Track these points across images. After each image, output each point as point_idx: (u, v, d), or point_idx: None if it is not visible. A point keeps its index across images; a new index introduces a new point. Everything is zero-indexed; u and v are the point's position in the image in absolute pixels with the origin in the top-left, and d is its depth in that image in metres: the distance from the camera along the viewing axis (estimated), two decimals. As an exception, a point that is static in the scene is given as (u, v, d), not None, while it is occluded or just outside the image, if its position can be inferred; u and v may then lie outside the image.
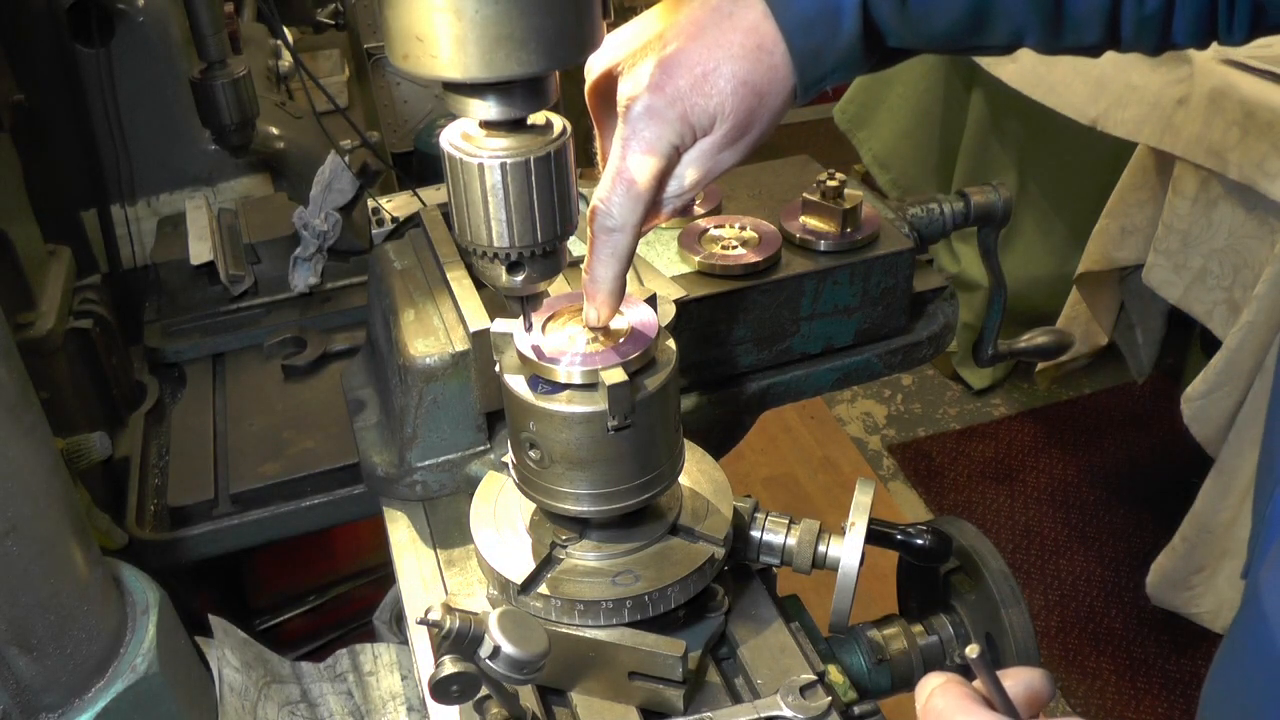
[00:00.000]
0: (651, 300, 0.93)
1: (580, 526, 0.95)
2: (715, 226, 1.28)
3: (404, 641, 1.18)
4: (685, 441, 0.99)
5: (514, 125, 0.80)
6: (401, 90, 2.22)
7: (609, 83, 0.87)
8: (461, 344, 1.09)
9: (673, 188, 0.88)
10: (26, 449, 0.83)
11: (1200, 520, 2.46)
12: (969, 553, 1.13)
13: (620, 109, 0.84)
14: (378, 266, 1.25)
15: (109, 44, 1.70)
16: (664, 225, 1.31)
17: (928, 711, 0.70)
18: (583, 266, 0.88)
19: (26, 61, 1.62)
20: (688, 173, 0.87)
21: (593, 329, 0.89)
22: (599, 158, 0.91)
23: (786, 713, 0.89)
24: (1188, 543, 2.51)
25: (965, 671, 0.73)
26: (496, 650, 0.76)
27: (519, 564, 0.93)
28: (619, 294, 0.88)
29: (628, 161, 0.84)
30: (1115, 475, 3.28)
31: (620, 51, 0.86)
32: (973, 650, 0.66)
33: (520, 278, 0.86)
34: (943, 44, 0.90)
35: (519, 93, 0.78)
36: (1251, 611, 0.78)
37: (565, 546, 0.95)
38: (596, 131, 0.92)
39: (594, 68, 0.88)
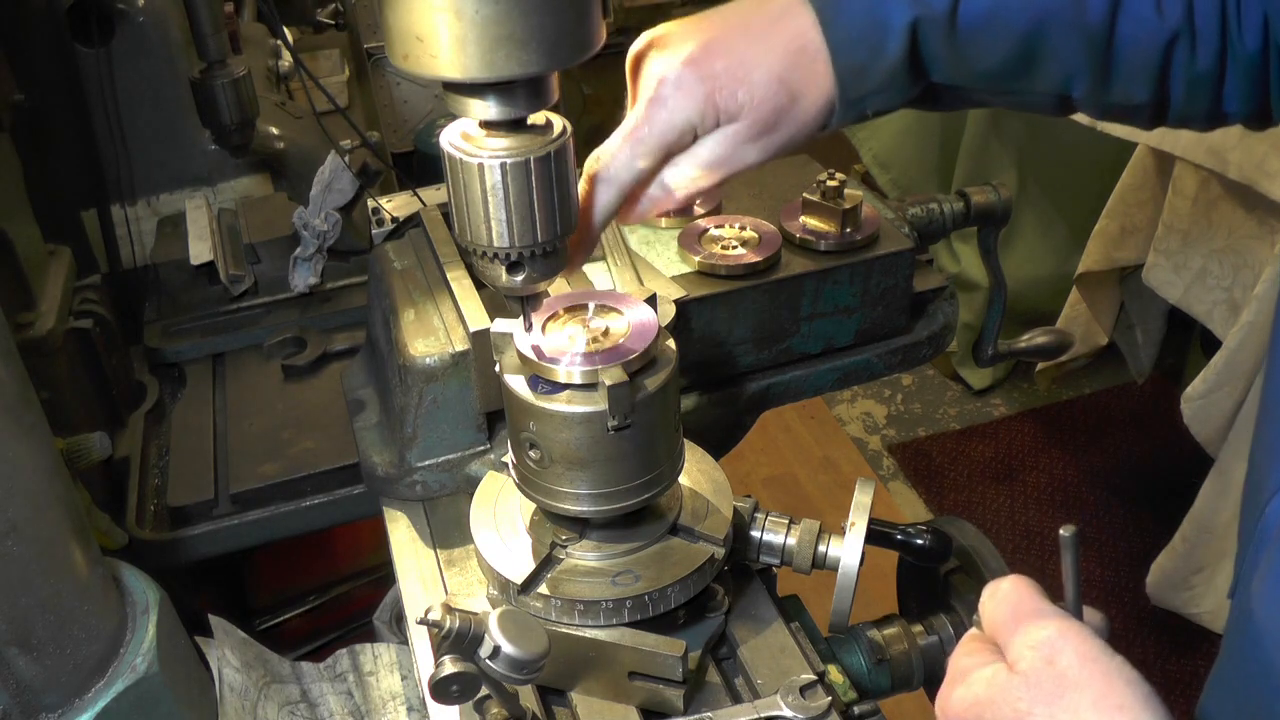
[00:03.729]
0: (651, 300, 0.93)
1: (580, 526, 0.95)
2: (715, 226, 1.28)
3: (404, 641, 1.18)
4: (685, 441, 0.99)
5: (514, 125, 0.80)
6: (401, 90, 2.22)
7: (648, 48, 0.88)
8: (461, 344, 1.09)
9: (688, 168, 0.87)
10: (26, 449, 0.83)
11: (1200, 520, 2.46)
12: (969, 553, 1.13)
13: (654, 76, 0.85)
14: (378, 266, 1.25)
15: (109, 44, 1.70)
16: (663, 225, 1.31)
17: (996, 595, 0.72)
18: None
19: (26, 61, 1.62)
20: (705, 155, 0.87)
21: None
22: None
23: (786, 713, 0.89)
24: (1188, 543, 2.51)
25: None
26: (496, 650, 0.76)
27: (519, 564, 0.93)
28: (590, 244, 0.88)
29: (642, 122, 0.85)
30: (1115, 475, 3.28)
31: (667, 29, 0.87)
32: (1068, 529, 0.68)
33: (520, 278, 0.86)
34: (990, 84, 0.90)
35: (519, 93, 0.78)
36: (1245, 626, 0.78)
37: (565, 546, 0.95)
38: (630, 101, 0.91)
39: (639, 42, 0.88)
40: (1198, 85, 0.88)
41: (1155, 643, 2.75)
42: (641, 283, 1.15)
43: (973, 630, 0.75)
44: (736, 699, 0.93)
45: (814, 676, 0.92)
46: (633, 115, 0.86)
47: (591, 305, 0.91)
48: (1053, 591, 0.72)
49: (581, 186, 0.87)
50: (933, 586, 1.17)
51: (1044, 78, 0.89)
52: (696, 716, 0.90)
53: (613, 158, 0.85)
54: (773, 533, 1.00)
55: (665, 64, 0.85)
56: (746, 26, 0.85)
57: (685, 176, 0.88)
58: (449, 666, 0.76)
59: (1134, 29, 0.86)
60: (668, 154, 0.86)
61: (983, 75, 0.89)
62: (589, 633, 0.91)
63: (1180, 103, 0.90)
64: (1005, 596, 0.72)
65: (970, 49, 0.86)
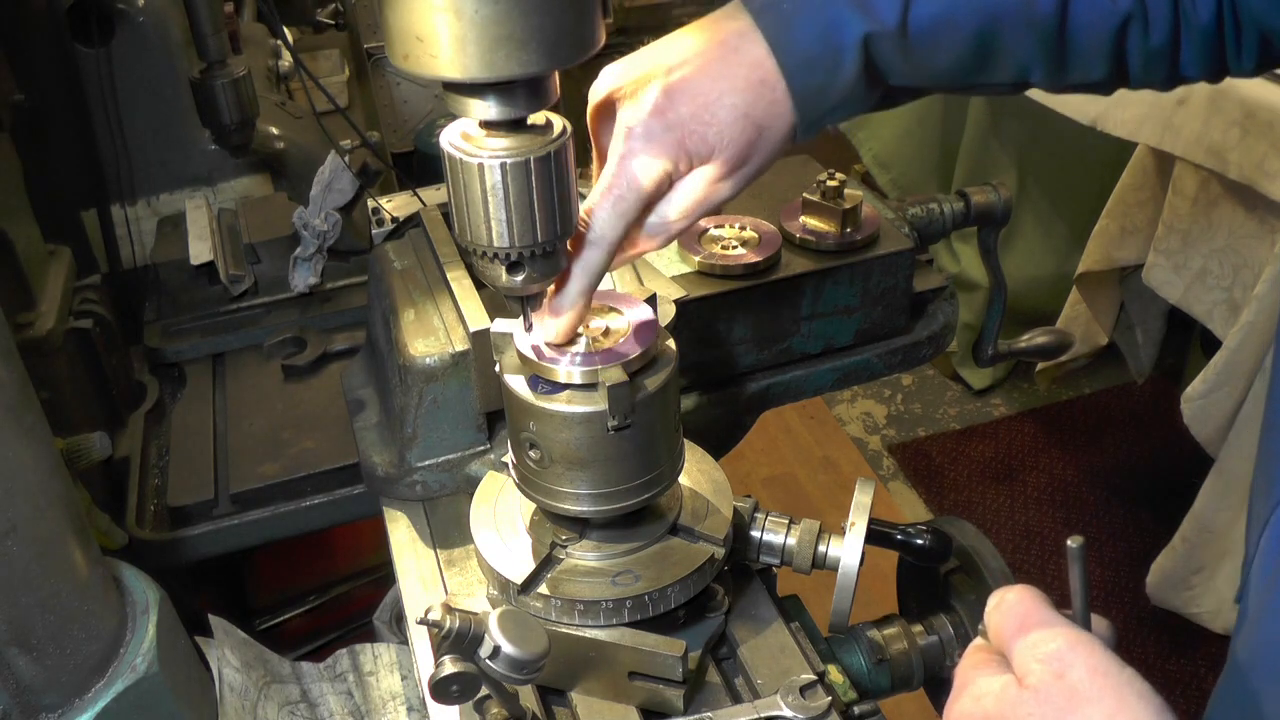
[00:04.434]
0: (651, 300, 0.93)
1: (580, 526, 0.95)
2: (715, 226, 1.28)
3: (404, 641, 1.18)
4: (685, 441, 0.99)
5: (514, 125, 0.80)
6: (401, 90, 2.22)
7: (611, 107, 0.87)
8: (461, 344, 1.09)
9: (666, 213, 0.88)
10: (26, 449, 0.83)
11: (1200, 520, 2.46)
12: (969, 553, 1.13)
13: (621, 130, 0.85)
14: (378, 266, 1.25)
15: (109, 44, 1.70)
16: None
17: (1002, 606, 0.71)
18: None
19: (26, 61, 1.62)
20: (681, 201, 0.87)
21: (550, 344, 0.88)
22: (594, 181, 0.91)
23: (786, 713, 0.89)
24: (1188, 543, 2.51)
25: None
26: (496, 650, 0.76)
27: (519, 564, 0.93)
28: (583, 310, 0.88)
29: (620, 179, 0.85)
30: (1115, 475, 3.28)
31: (625, 77, 0.86)
32: (1075, 541, 0.67)
33: (520, 278, 0.86)
34: (948, 82, 0.90)
35: (519, 93, 0.78)
36: (1251, 635, 0.77)
37: (565, 546, 0.95)
38: (594, 154, 0.92)
39: (598, 91, 0.88)
40: (1154, 58, 0.89)
41: (1155, 643, 2.75)
42: (641, 283, 1.15)
43: (978, 641, 0.74)
44: (736, 699, 0.93)
45: (814, 676, 0.92)
46: (607, 172, 0.86)
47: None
48: (1056, 597, 0.72)
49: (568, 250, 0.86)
50: (933, 586, 1.17)
51: (1000, 70, 0.89)
52: (696, 716, 0.90)
53: (597, 219, 0.85)
54: (773, 533, 1.00)
55: (632, 116, 0.84)
56: (705, 62, 0.84)
57: (665, 221, 0.88)
58: (449, 666, 0.76)
59: (1086, 16, 0.86)
60: (648, 206, 0.87)
61: (939, 75, 0.89)
62: (589, 633, 0.91)
63: (1139, 74, 0.91)
64: (1011, 607, 0.70)
65: (924, 54, 0.86)
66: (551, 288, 0.88)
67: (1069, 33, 0.87)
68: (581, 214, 0.86)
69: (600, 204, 0.85)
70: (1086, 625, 0.70)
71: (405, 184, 1.45)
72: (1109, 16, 0.86)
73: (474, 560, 1.05)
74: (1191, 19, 0.87)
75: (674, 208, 0.88)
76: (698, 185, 0.87)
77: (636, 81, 0.85)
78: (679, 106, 0.84)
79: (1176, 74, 0.91)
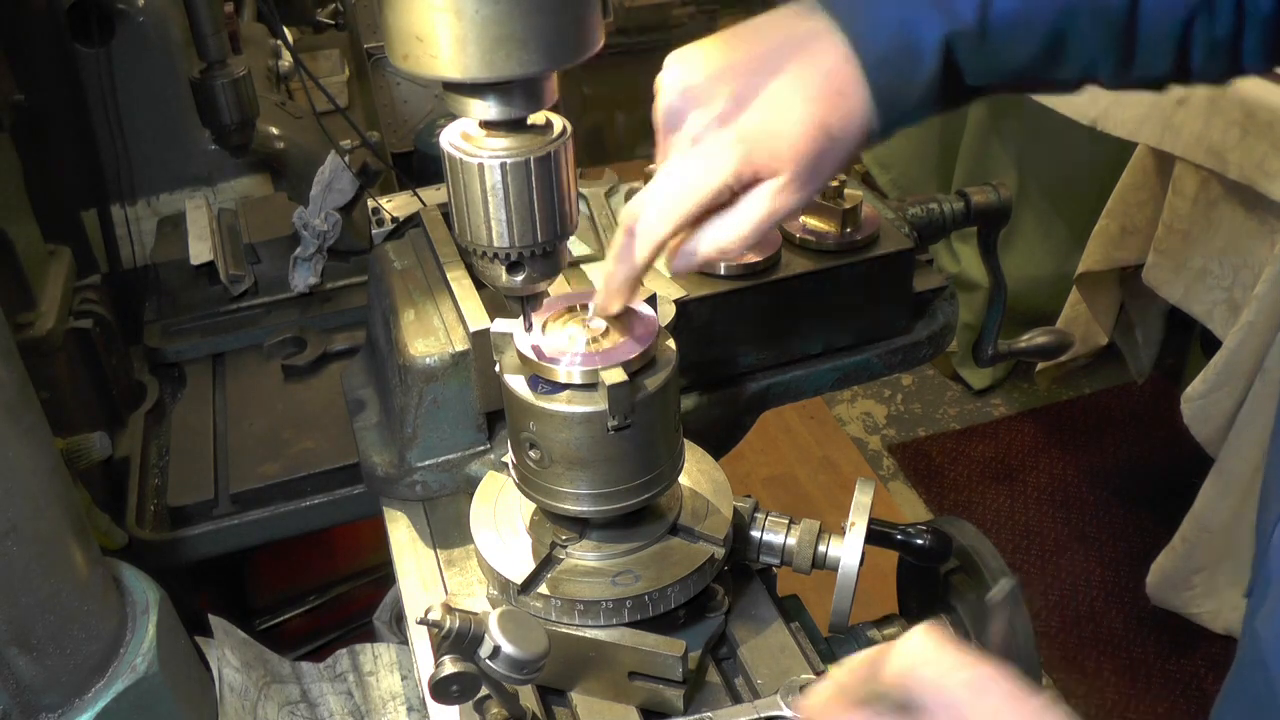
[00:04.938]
0: (651, 300, 0.93)
1: (580, 526, 0.95)
2: (715, 226, 1.28)
3: (404, 641, 1.18)
4: (685, 441, 0.99)
5: (514, 125, 0.80)
6: (401, 90, 2.22)
7: (680, 105, 0.83)
8: (461, 344, 1.09)
9: (732, 228, 0.84)
10: (26, 449, 0.83)
11: (1200, 520, 2.46)
12: (969, 553, 1.13)
13: (688, 135, 0.82)
14: (378, 266, 1.26)
15: (109, 44, 1.70)
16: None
17: (904, 641, 0.68)
18: (607, 254, 0.87)
19: (26, 61, 1.62)
20: (747, 212, 0.83)
21: (595, 319, 0.89)
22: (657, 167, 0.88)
23: (786, 713, 0.89)
24: (1188, 543, 2.51)
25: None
26: (496, 650, 0.76)
27: (519, 564, 0.93)
28: (628, 294, 0.87)
29: (680, 179, 0.81)
30: (1115, 475, 3.28)
31: (696, 76, 0.82)
32: (1003, 586, 0.65)
33: (520, 278, 0.86)
34: (1017, 79, 0.88)
35: (519, 93, 0.78)
36: (1254, 640, 0.77)
37: (565, 546, 0.95)
38: (658, 150, 0.87)
39: (670, 88, 0.84)
40: (1217, 50, 0.88)
41: (1155, 643, 2.75)
42: (642, 283, 1.15)
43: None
44: (736, 699, 0.93)
45: (814, 676, 0.92)
46: (671, 166, 0.82)
47: (592, 305, 0.91)
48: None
49: (619, 238, 0.84)
50: (933, 586, 1.17)
51: (1069, 67, 0.87)
52: (696, 716, 0.90)
53: (648, 213, 0.82)
54: (773, 533, 1.00)
55: (699, 122, 0.81)
56: (777, 66, 0.80)
57: (729, 235, 0.84)
58: (449, 666, 0.76)
59: (1154, 6, 0.85)
60: (706, 213, 0.83)
61: (1009, 74, 0.86)
62: (589, 633, 0.91)
63: (1200, 67, 0.89)
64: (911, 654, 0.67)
65: (999, 52, 0.84)
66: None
67: (1139, 24, 0.85)
68: (635, 198, 0.83)
69: (655, 200, 0.81)
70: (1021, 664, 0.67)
71: (405, 184, 1.45)
72: (1177, 7, 0.86)
73: (474, 560, 1.05)
74: (1252, 9, 0.86)
75: (741, 218, 0.83)
76: (765, 198, 0.82)
77: (709, 82, 0.82)
78: (749, 114, 0.80)
79: (1238, 65, 0.89)
